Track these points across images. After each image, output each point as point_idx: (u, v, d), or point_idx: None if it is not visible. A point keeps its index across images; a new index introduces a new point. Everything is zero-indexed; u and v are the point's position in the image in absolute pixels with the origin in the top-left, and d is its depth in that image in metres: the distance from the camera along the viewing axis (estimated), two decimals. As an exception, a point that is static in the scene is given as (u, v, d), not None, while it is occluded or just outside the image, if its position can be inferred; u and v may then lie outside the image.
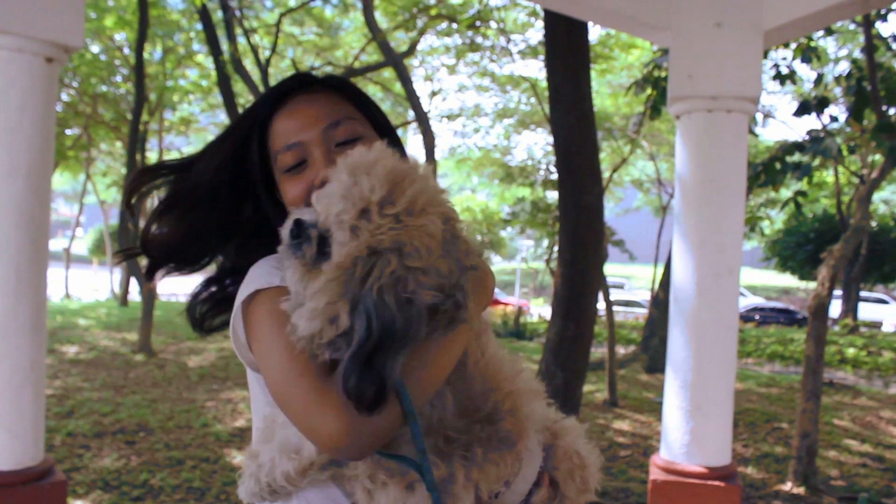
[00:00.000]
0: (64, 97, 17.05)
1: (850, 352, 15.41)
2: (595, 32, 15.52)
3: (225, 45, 14.46)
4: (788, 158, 7.30)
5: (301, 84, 1.47)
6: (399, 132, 1.56)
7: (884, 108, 8.18)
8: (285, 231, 1.16)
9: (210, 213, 1.47)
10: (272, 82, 18.08)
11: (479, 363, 1.23)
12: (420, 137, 13.81)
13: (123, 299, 19.63)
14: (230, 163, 1.46)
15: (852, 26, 12.54)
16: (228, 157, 1.46)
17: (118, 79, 17.45)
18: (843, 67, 16.84)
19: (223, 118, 19.92)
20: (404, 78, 13.83)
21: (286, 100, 1.45)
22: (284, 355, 1.15)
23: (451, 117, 21.74)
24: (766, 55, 7.76)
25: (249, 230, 1.52)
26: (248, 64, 16.76)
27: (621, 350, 15.80)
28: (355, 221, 1.06)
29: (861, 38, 11.21)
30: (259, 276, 1.32)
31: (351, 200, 1.07)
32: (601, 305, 11.52)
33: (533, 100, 19.09)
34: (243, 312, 1.33)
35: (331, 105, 1.41)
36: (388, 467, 1.15)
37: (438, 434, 1.18)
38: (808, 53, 7.97)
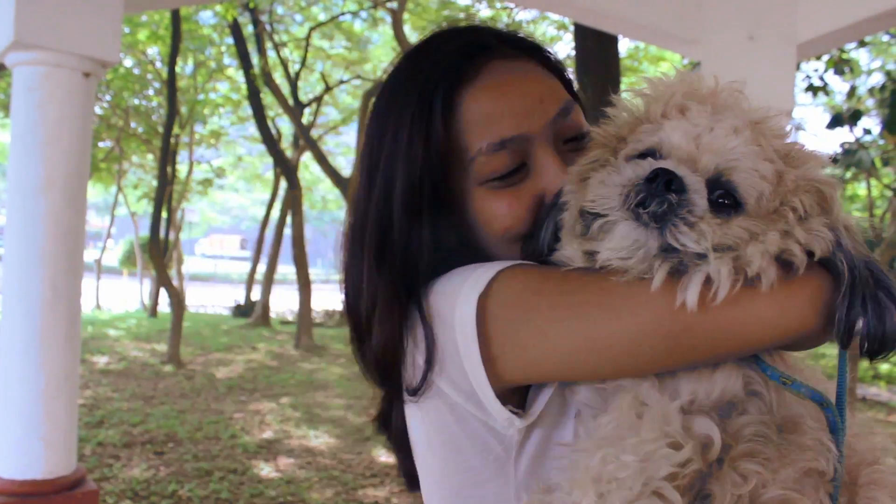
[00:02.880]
0: (97, 110, 17.31)
1: (884, 367, 15.14)
2: (623, 45, 15.49)
3: (255, 59, 14.62)
4: (821, 172, 7.21)
5: (499, 41, 1.01)
6: None
7: (918, 120, 8.06)
8: (638, 183, 0.83)
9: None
10: (301, 95, 18.30)
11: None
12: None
13: (153, 310, 19.82)
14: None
15: (886, 38, 12.40)
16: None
17: (150, 92, 17.70)
18: (877, 79, 16.64)
19: (253, 131, 20.12)
20: (432, 91, 13.86)
21: (477, 65, 0.98)
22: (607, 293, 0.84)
23: (479, 130, 21.75)
24: (798, 67, 7.71)
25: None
26: (278, 77, 16.92)
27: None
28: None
29: (895, 50, 11.08)
30: (472, 272, 0.93)
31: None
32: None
33: (561, 112, 19.08)
34: (477, 309, 0.89)
35: (546, 81, 1.00)
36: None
37: None
38: (841, 65, 7.89)
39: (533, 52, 1.04)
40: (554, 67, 1.04)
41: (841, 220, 0.87)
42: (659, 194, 0.80)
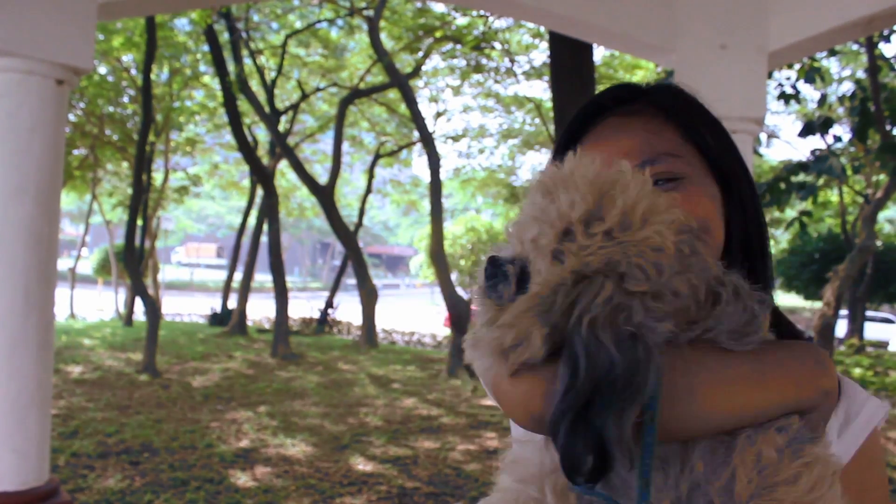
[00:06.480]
0: (71, 118, 17.13)
1: (857, 372, 15.33)
2: (599, 53, 15.62)
3: (231, 67, 14.57)
4: (793, 178, 7.32)
5: (616, 101, 1.12)
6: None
7: (888, 128, 8.21)
8: (480, 272, 0.91)
9: None
10: (278, 103, 18.26)
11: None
12: (425, 158, 13.86)
13: (128, 319, 19.63)
14: None
15: (855, 47, 12.60)
16: None
17: (125, 100, 17.57)
18: (847, 88, 16.89)
19: (229, 138, 20.02)
20: (409, 99, 13.90)
21: (598, 119, 1.12)
22: None
23: (455, 138, 21.84)
24: (770, 75, 7.82)
25: None
26: (254, 85, 16.88)
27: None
28: (556, 245, 0.83)
29: (864, 59, 11.27)
30: None
31: (547, 221, 0.85)
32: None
33: (537, 120, 19.19)
34: None
35: (647, 134, 1.07)
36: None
37: None
38: (812, 74, 8.00)
39: (657, 105, 1.10)
40: (677, 118, 1.10)
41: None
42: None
